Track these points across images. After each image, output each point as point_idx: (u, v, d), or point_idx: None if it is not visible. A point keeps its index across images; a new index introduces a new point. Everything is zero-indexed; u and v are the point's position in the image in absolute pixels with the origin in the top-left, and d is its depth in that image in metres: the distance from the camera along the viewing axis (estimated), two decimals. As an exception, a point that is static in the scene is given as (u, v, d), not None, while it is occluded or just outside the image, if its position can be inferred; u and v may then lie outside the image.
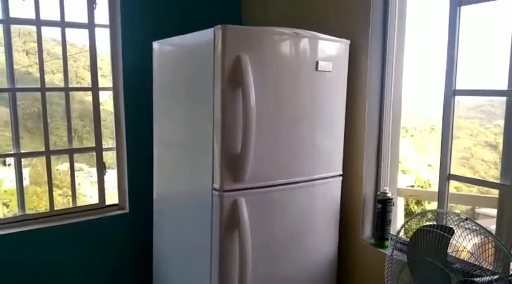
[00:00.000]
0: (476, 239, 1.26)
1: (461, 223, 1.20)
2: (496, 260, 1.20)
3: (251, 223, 1.64)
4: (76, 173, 2.36)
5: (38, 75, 2.15)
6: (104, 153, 2.37)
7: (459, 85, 1.63)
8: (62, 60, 2.20)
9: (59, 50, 2.24)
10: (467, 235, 1.20)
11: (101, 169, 2.37)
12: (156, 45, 2.08)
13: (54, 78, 2.72)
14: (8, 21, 2.04)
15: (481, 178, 1.77)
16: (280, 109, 1.69)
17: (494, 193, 1.59)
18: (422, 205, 4.69)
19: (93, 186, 2.49)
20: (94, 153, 2.36)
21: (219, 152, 1.60)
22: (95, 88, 2.29)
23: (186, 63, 1.88)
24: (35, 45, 2.14)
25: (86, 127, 2.66)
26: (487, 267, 1.26)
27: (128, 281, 2.44)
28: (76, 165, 2.38)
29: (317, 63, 1.74)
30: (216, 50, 1.56)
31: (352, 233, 2.01)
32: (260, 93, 1.58)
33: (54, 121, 2.25)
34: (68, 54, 2.24)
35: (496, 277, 1.19)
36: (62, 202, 2.35)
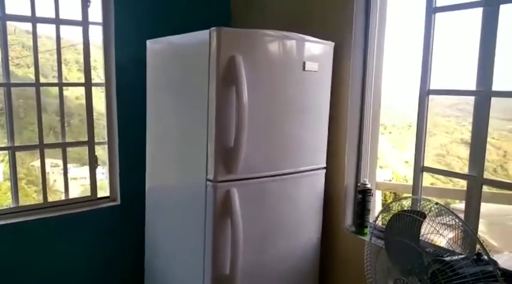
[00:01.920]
0: (451, 235, 1.41)
1: (432, 208, 1.34)
2: (461, 238, 1.35)
3: (242, 212, 1.74)
4: (52, 169, 2.35)
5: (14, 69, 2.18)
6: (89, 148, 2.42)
7: (433, 85, 1.76)
8: (48, 55, 2.26)
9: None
10: (437, 217, 1.35)
11: (93, 162, 2.43)
12: (149, 43, 2.15)
13: (29, 72, 2.71)
14: (4, 18, 2.08)
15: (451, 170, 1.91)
16: (270, 106, 1.79)
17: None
18: (399, 200, 4.84)
19: (71, 181, 2.48)
20: (82, 148, 2.41)
21: (213, 145, 1.69)
22: (87, 84, 2.35)
23: (180, 61, 1.95)
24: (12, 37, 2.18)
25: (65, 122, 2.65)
26: (456, 250, 1.41)
27: (120, 271, 2.50)
28: (53, 161, 2.38)
29: (304, 63, 1.84)
30: (211, 50, 1.65)
31: (334, 222, 2.14)
32: (252, 91, 1.67)
33: (29, 115, 2.28)
34: (49, 48, 2.28)
35: (463, 256, 1.34)
36: (37, 198, 2.36)
